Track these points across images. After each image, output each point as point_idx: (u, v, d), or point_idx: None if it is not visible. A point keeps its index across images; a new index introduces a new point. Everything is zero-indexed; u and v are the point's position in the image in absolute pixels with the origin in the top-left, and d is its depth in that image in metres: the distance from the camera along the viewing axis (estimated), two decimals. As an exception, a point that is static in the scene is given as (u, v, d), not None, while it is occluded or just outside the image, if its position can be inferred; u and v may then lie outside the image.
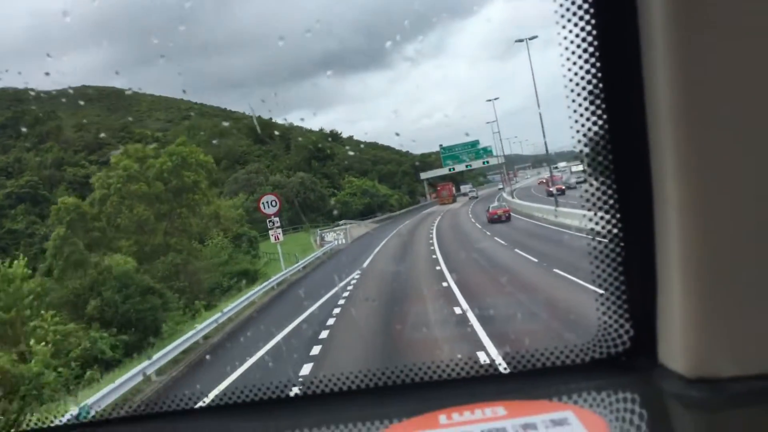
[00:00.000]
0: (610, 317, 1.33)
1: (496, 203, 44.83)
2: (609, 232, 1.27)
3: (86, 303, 21.71)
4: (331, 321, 15.95)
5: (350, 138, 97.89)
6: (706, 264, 1.12)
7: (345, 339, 13.72)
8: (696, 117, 1.07)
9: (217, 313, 18.26)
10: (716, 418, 1.16)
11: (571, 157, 71.74)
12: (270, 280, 24.91)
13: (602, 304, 1.33)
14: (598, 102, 1.21)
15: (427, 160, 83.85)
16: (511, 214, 38.59)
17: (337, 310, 17.31)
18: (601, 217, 1.27)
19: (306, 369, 11.46)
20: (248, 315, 19.76)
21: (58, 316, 18.94)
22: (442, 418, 1.25)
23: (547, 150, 40.84)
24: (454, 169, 76.13)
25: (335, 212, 60.20)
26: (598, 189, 1.25)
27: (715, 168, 1.08)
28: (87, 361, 16.71)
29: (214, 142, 73.29)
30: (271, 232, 28.78)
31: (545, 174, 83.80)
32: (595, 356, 1.38)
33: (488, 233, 31.49)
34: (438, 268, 22.38)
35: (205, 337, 16.41)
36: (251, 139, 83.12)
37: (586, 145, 1.24)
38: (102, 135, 74.67)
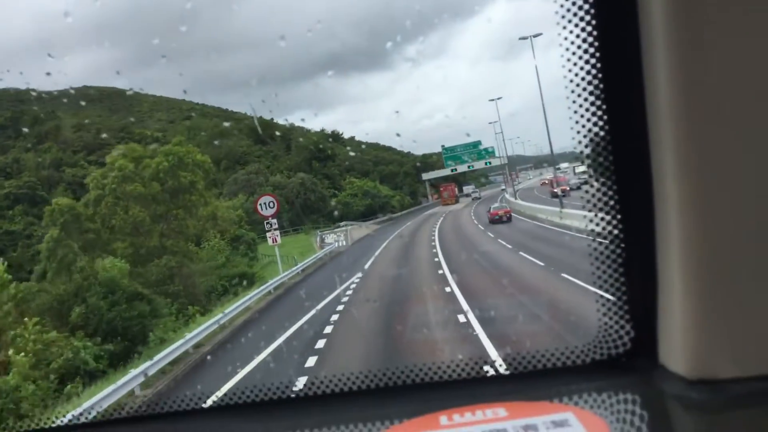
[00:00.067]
0: (610, 318, 1.34)
1: (497, 204, 44.40)
2: (609, 233, 1.28)
3: (70, 310, 20.84)
4: (328, 329, 15.24)
5: (351, 138, 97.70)
6: (706, 265, 1.13)
7: (337, 359, 12.63)
8: (696, 117, 1.08)
9: (210, 320, 17.50)
10: (717, 419, 1.16)
11: (572, 157, 71.55)
12: (267, 284, 24.17)
13: (603, 305, 1.34)
14: (599, 103, 1.22)
15: (429, 161, 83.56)
16: (515, 215, 38.40)
17: (335, 317, 16.61)
18: (602, 218, 1.28)
19: (300, 383, 10.69)
20: (242, 322, 19.03)
21: (41, 323, 18.11)
22: (443, 419, 1.25)
23: (552, 151, 40.38)
24: (456, 169, 75.70)
25: (336, 213, 59.72)
26: (598, 190, 1.26)
27: (716, 168, 1.09)
28: (69, 372, 15.85)
29: (216, 143, 73.03)
30: (268, 235, 28.05)
31: (547, 175, 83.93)
32: (595, 357, 1.38)
33: (491, 235, 30.91)
34: (440, 272, 21.78)
35: (196, 346, 15.66)
36: (252, 139, 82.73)
37: (586, 146, 1.25)
38: (104, 135, 74.26)
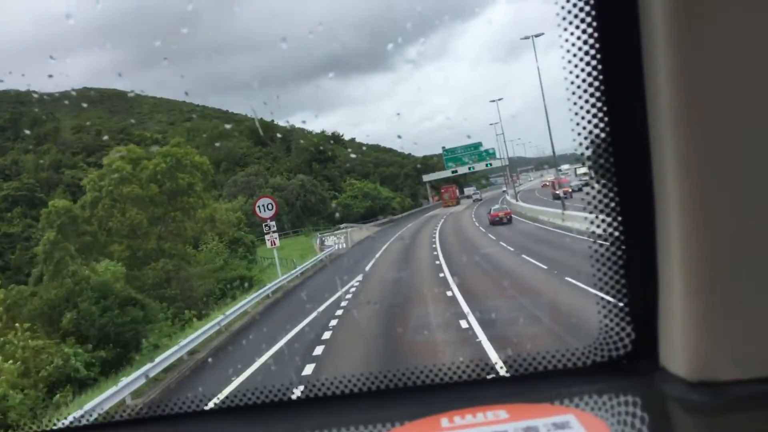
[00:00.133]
0: (611, 320, 1.34)
1: (497, 206, 44.28)
2: (610, 234, 1.28)
3: (61, 315, 20.30)
4: (327, 334, 14.86)
5: (352, 140, 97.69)
6: (707, 267, 1.13)
7: (336, 367, 12.05)
8: (697, 118, 1.08)
9: (205, 326, 17.10)
10: (717, 421, 1.16)
11: (573, 159, 71.32)
12: (265, 288, 23.77)
13: (603, 307, 1.34)
14: (599, 104, 1.22)
15: (429, 163, 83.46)
16: (516, 217, 38.37)
17: (333, 322, 16.24)
18: (603, 220, 1.28)
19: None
20: (238, 327, 18.63)
21: (32, 329, 17.61)
22: (444, 421, 1.25)
23: (554, 152, 40.16)
24: (456, 171, 75.61)
25: (337, 215, 59.46)
26: (599, 192, 1.26)
27: (717, 169, 1.09)
28: (59, 380, 15.40)
29: (217, 144, 72.83)
30: (267, 237, 27.64)
31: (548, 176, 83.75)
32: (596, 359, 1.39)
33: (493, 237, 30.61)
34: (441, 275, 21.42)
35: (191, 353, 15.26)
36: (252, 141, 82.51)
37: (587, 147, 1.25)
38: (105, 138, 74.03)
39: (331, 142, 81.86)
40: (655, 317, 1.28)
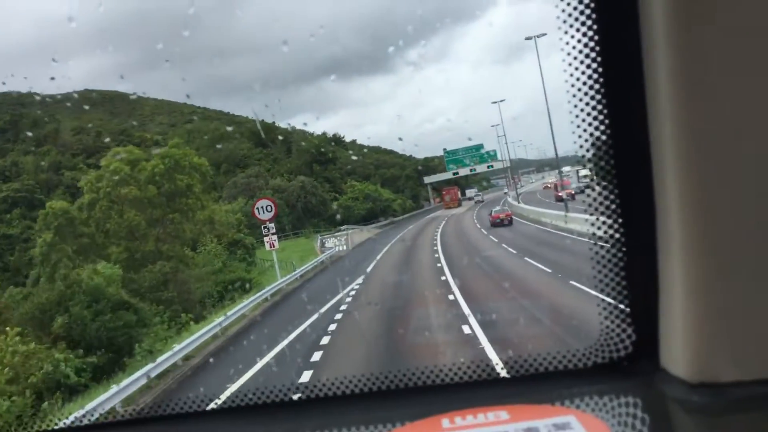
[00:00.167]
0: (612, 322, 1.34)
1: (498, 207, 44.10)
2: (611, 236, 1.28)
3: (53, 320, 19.77)
4: (325, 339, 14.48)
5: (353, 142, 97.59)
6: (707, 268, 1.13)
7: (335, 373, 11.96)
8: (697, 120, 1.08)
9: (201, 330, 16.70)
10: (718, 422, 1.17)
11: (574, 161, 70.91)
12: (263, 291, 23.38)
13: (604, 308, 1.34)
14: (600, 106, 1.23)
15: (431, 164, 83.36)
16: (518, 219, 38.33)
17: (332, 327, 15.87)
18: (604, 222, 1.28)
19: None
20: (235, 332, 18.24)
21: (23, 333, 17.13)
22: (445, 422, 1.26)
23: (557, 154, 40.21)
24: (458, 173, 75.56)
25: (338, 217, 59.24)
26: (600, 194, 1.27)
27: (717, 171, 1.09)
28: (49, 387, 14.94)
29: (219, 146, 72.66)
30: (266, 239, 27.25)
31: (549, 178, 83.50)
32: (597, 361, 1.39)
33: (495, 240, 30.27)
34: (443, 278, 21.06)
35: (186, 358, 14.86)
36: (252, 142, 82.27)
37: (588, 149, 1.25)
38: (107, 140, 73.84)
39: (333, 143, 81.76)
40: (656, 318, 1.28)
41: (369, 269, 27.84)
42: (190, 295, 27.13)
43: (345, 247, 42.83)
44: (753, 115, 1.06)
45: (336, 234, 49.13)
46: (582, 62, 1.21)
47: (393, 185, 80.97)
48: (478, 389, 1.44)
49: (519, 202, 50.84)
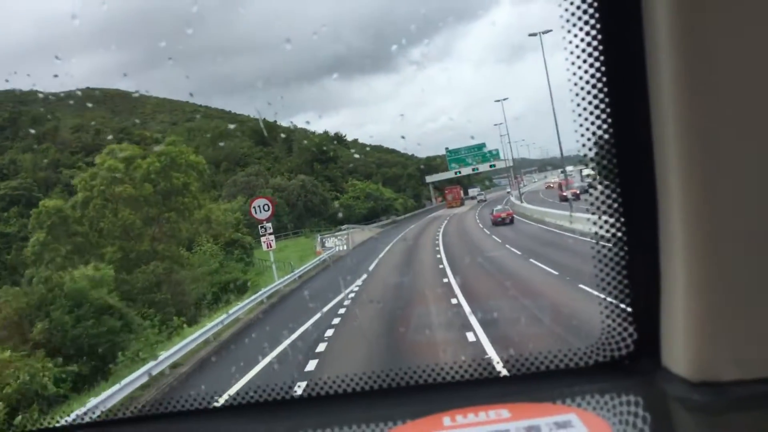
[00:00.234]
0: (613, 320, 1.34)
1: (499, 207, 43.71)
2: (613, 236, 1.29)
3: (32, 325, 18.89)
4: (321, 346, 13.80)
5: (355, 141, 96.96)
6: (709, 268, 1.14)
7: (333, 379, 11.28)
8: (700, 120, 1.08)
9: (192, 335, 15.97)
10: (719, 421, 1.17)
11: (577, 160, 70.56)
12: (260, 293, 22.68)
13: (606, 307, 1.35)
14: (603, 106, 1.23)
15: (433, 164, 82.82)
16: (521, 219, 38.21)
17: (329, 332, 15.19)
18: (606, 221, 1.29)
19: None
20: (228, 336, 17.55)
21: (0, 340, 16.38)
22: (446, 420, 1.26)
23: (561, 153, 39.75)
24: (460, 172, 75.00)
25: (340, 215, 58.63)
26: (602, 193, 1.27)
27: (719, 172, 1.09)
28: (25, 398, 14.18)
29: (221, 144, 72.13)
30: (263, 239, 26.55)
31: (552, 178, 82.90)
32: (598, 359, 1.39)
33: (498, 240, 29.63)
34: (445, 280, 20.38)
35: (173, 366, 14.13)
36: (253, 141, 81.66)
37: (590, 149, 1.25)
38: (109, 137, 73.29)
39: (334, 142, 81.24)
40: (658, 317, 1.27)
41: (370, 270, 27.21)
42: (185, 296, 26.36)
43: (345, 247, 42.19)
44: (756, 115, 1.05)
45: (336, 233, 48.45)
46: (585, 61, 1.20)
47: (395, 184, 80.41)
48: (480, 387, 1.44)
49: (522, 202, 50.32)
